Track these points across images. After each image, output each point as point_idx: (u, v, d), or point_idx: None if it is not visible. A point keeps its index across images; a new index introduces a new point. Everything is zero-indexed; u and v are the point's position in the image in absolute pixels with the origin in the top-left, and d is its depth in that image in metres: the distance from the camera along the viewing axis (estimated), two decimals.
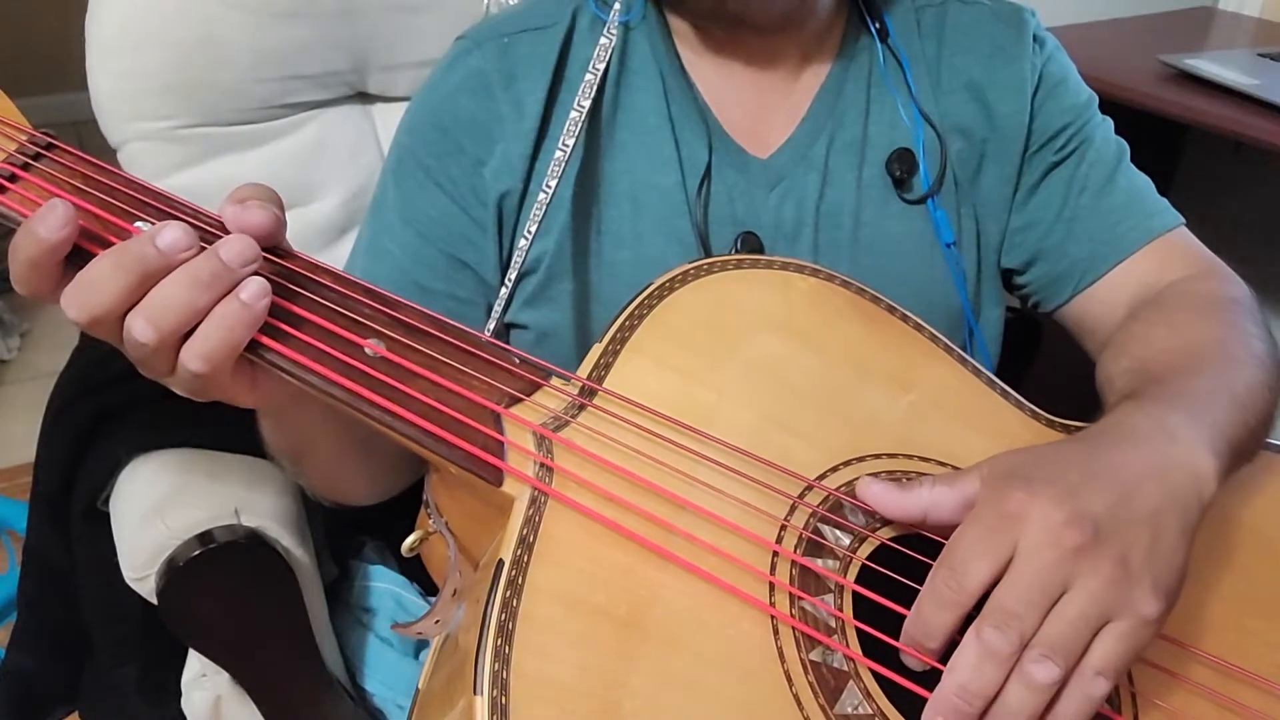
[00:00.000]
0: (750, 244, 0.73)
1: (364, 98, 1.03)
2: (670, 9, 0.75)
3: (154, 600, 0.75)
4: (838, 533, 0.54)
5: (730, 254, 0.73)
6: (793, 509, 0.54)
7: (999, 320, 0.82)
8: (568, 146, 0.70)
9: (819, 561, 0.53)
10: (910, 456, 0.59)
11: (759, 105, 0.76)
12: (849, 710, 0.49)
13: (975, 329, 0.79)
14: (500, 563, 0.47)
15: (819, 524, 0.54)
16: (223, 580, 0.76)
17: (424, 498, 0.63)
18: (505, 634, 0.45)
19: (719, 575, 0.50)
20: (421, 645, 0.91)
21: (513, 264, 0.71)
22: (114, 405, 0.84)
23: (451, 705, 0.47)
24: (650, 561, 0.50)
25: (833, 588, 0.52)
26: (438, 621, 0.58)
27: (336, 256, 0.94)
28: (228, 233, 0.51)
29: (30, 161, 0.52)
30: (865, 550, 0.54)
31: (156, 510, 0.76)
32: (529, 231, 0.70)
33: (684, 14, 0.74)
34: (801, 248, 0.75)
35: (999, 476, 0.52)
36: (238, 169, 0.94)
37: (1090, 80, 0.82)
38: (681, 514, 0.52)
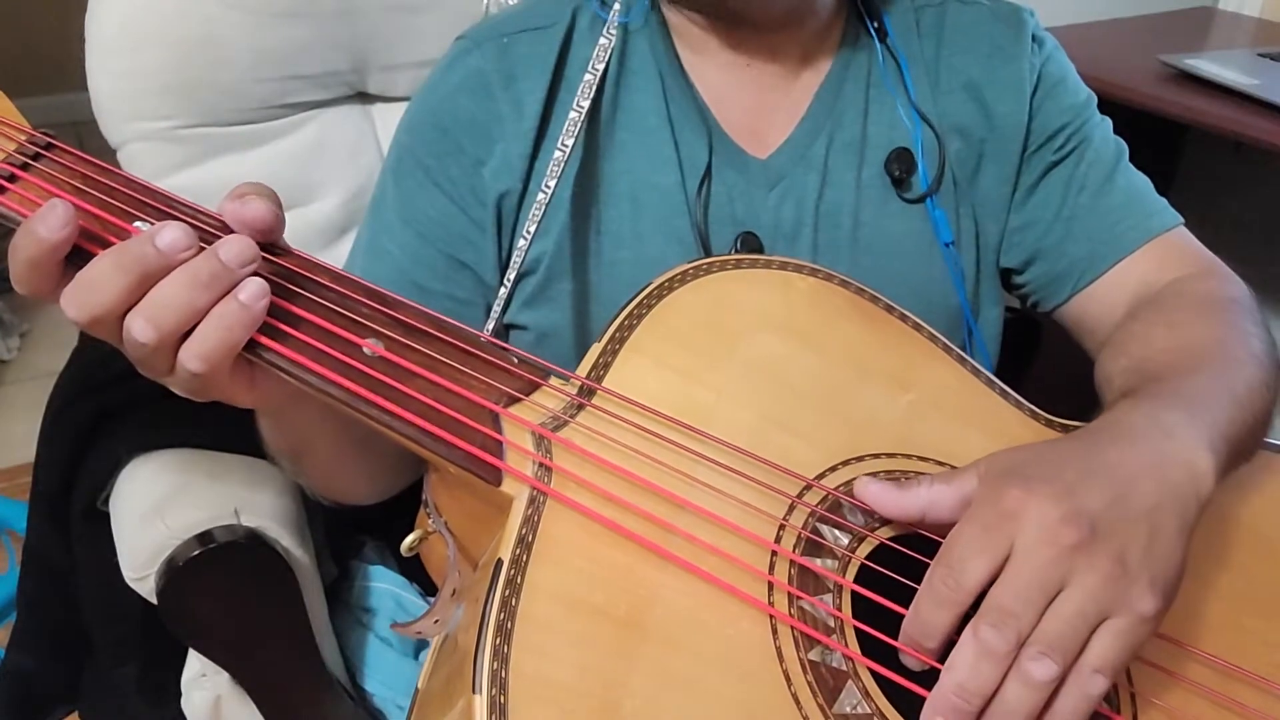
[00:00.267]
0: (750, 244, 0.74)
1: (364, 98, 1.03)
2: (671, 7, 0.75)
3: (154, 600, 0.75)
4: (836, 532, 0.54)
5: (730, 254, 0.73)
6: (791, 508, 0.54)
7: (998, 320, 0.82)
8: (567, 146, 0.70)
9: (818, 561, 0.53)
10: (909, 456, 0.59)
11: (758, 105, 0.76)
12: (848, 710, 0.49)
13: (974, 328, 0.79)
14: (499, 562, 0.47)
15: (818, 523, 0.54)
16: (223, 580, 0.76)
17: (423, 497, 0.63)
18: (504, 633, 0.45)
19: (718, 575, 0.50)
20: (421, 645, 0.91)
21: (512, 264, 0.72)
22: (114, 405, 0.84)
23: (451, 705, 0.47)
24: (649, 561, 0.50)
25: (831, 587, 0.52)
26: (437, 621, 0.58)
27: (336, 256, 0.94)
28: (227, 232, 0.51)
29: (30, 161, 0.52)
30: (864, 550, 0.54)
31: (156, 510, 0.76)
32: (528, 231, 0.70)
33: (685, 12, 0.74)
34: (801, 247, 0.75)
35: (996, 474, 0.52)
36: (238, 169, 0.94)
37: (1090, 80, 0.82)
38: (681, 514, 0.52)
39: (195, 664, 0.83)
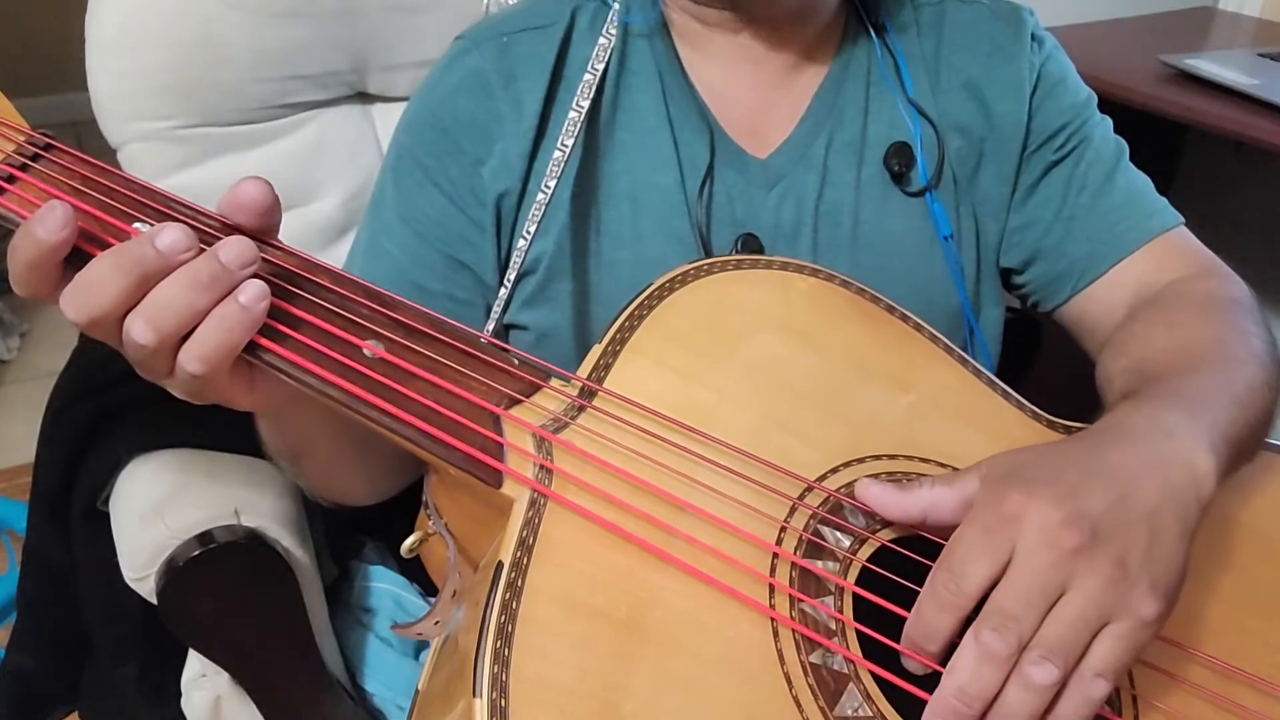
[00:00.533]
0: (750, 246, 0.73)
1: (364, 98, 1.03)
2: (675, 5, 0.74)
3: (154, 600, 0.75)
4: (838, 534, 0.54)
5: (730, 254, 0.73)
6: (792, 510, 0.54)
7: (999, 320, 0.81)
8: (567, 146, 0.70)
9: (819, 563, 0.53)
10: (910, 458, 0.59)
11: (759, 104, 0.76)
12: (849, 713, 0.49)
13: (975, 327, 0.79)
14: (500, 565, 0.47)
15: (819, 525, 0.54)
16: (223, 580, 0.76)
17: (423, 499, 0.63)
18: (505, 636, 0.45)
19: (719, 577, 0.50)
20: (421, 646, 0.91)
21: (512, 264, 0.71)
22: (114, 405, 0.84)
23: (451, 706, 0.47)
24: (650, 563, 0.49)
25: (833, 590, 0.52)
26: (437, 622, 0.57)
27: (336, 256, 0.93)
28: (228, 233, 0.51)
29: (28, 162, 0.52)
30: (865, 552, 0.54)
31: (156, 510, 0.76)
32: (528, 231, 0.70)
33: (691, 9, 0.74)
34: (801, 247, 0.75)
35: (997, 476, 0.52)
36: (238, 169, 0.93)
37: (1090, 80, 0.82)
38: (681, 516, 0.52)
39: (195, 664, 0.83)
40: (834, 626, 0.51)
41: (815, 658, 0.50)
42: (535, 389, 0.54)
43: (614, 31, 0.72)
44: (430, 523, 0.61)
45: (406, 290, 0.67)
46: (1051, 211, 0.78)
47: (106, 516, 0.81)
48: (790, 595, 0.51)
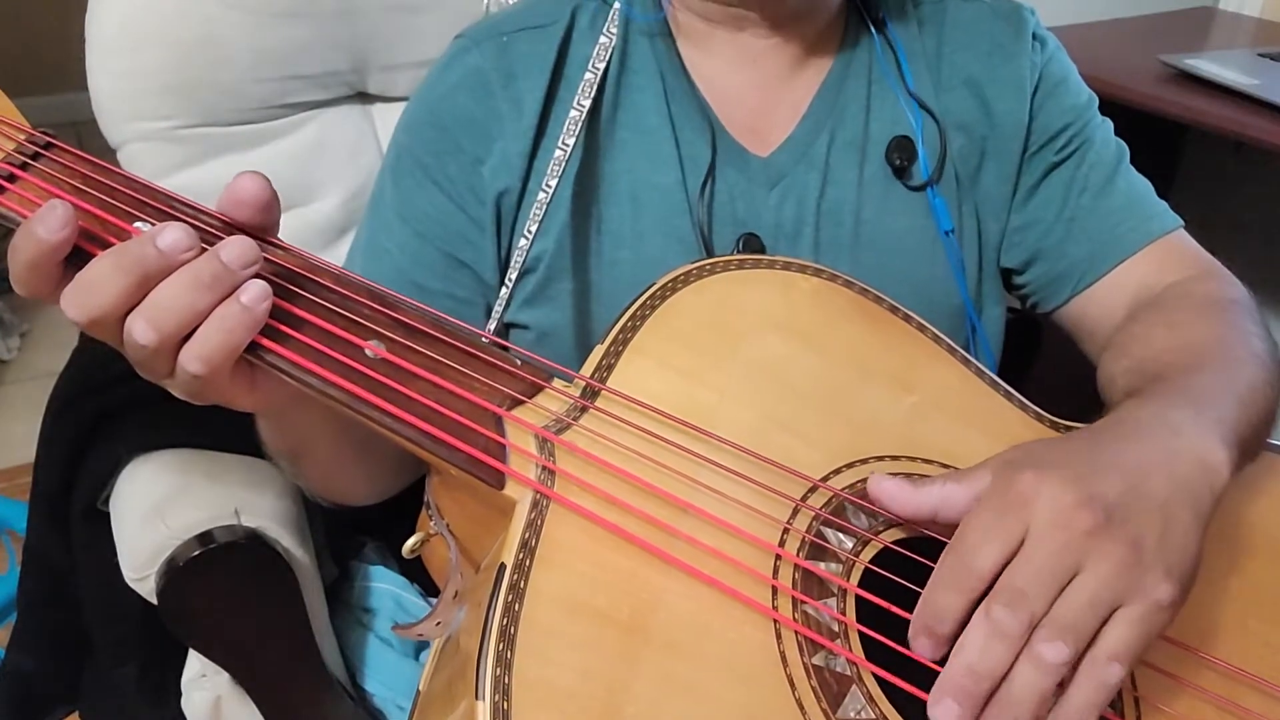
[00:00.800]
0: (752, 245, 0.73)
1: (364, 98, 1.03)
2: (679, 3, 0.74)
3: (154, 600, 0.75)
4: (840, 536, 0.54)
5: (732, 254, 0.73)
6: (795, 512, 0.54)
7: (1000, 319, 0.81)
8: (568, 145, 0.70)
9: (821, 565, 0.53)
10: (913, 459, 0.59)
11: (760, 102, 0.76)
12: (851, 715, 0.48)
13: (978, 325, 0.78)
14: (502, 566, 0.47)
15: (821, 527, 0.54)
16: (223, 580, 0.76)
17: (425, 499, 0.62)
18: (507, 638, 0.45)
19: (721, 579, 0.50)
20: (422, 646, 0.90)
21: (513, 263, 0.71)
22: (114, 405, 0.84)
23: (453, 708, 0.47)
24: (652, 565, 0.49)
25: (835, 591, 0.52)
26: (439, 623, 0.57)
27: (336, 256, 0.92)
28: (229, 233, 0.50)
29: (29, 161, 0.52)
30: (868, 553, 0.54)
31: (156, 510, 0.76)
32: (529, 231, 0.70)
33: (695, 6, 0.74)
34: (802, 246, 0.75)
35: (1008, 465, 0.52)
36: (238, 169, 0.90)
37: (1090, 80, 0.82)
38: (684, 517, 0.51)
39: (195, 664, 0.83)
40: (836, 628, 0.51)
41: (818, 660, 0.50)
42: (537, 389, 0.54)
43: (615, 30, 0.72)
44: (432, 523, 0.61)
45: (406, 289, 0.67)
46: (1052, 212, 0.78)
47: (107, 516, 0.81)
48: (793, 597, 0.51)
